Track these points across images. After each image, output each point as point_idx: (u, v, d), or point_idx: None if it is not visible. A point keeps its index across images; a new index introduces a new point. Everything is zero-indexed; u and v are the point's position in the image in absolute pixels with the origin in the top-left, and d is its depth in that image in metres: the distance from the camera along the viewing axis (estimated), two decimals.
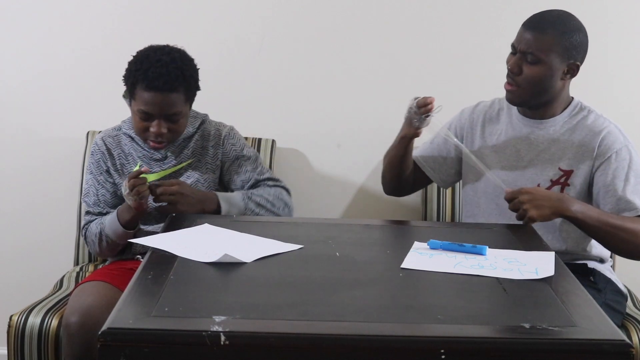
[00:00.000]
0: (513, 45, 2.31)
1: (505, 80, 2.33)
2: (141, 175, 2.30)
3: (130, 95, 2.41)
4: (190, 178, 2.47)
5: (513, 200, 2.19)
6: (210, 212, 2.37)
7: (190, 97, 2.43)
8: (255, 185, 2.50)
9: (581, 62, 2.31)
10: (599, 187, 2.30)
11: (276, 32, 2.89)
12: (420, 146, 2.55)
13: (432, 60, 2.90)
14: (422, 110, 2.26)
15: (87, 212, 2.51)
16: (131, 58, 2.41)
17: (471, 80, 2.84)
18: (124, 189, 2.29)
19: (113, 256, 2.51)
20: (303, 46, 2.90)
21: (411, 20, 2.88)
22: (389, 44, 2.90)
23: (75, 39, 2.89)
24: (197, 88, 2.45)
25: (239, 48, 2.90)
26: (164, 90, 2.34)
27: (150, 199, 2.35)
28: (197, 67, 2.44)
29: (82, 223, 2.53)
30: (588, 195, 2.34)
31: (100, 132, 2.78)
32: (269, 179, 2.52)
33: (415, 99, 2.27)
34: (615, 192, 2.28)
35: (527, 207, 2.16)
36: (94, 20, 2.88)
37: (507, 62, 2.32)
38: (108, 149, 2.50)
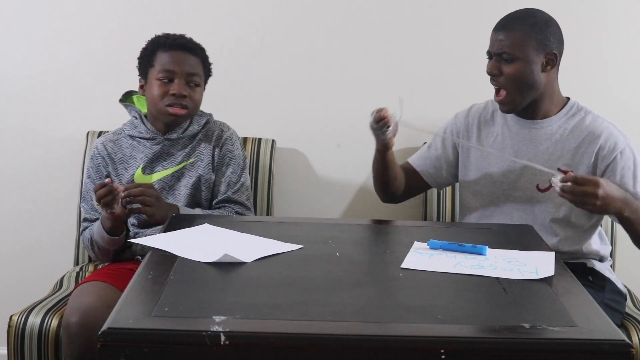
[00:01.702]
0: (488, 52, 2.34)
1: (492, 93, 2.36)
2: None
3: (148, 66, 2.44)
4: (192, 178, 2.47)
5: (577, 184, 2.11)
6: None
7: (206, 72, 2.50)
8: (226, 202, 2.49)
9: (559, 51, 2.32)
10: None
11: (276, 32, 2.89)
12: (418, 152, 2.56)
13: (432, 60, 2.90)
14: (380, 124, 2.26)
15: (85, 219, 2.51)
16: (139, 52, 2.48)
17: (471, 80, 2.83)
18: (94, 199, 2.30)
19: (109, 260, 2.50)
20: (303, 46, 2.90)
21: (411, 20, 2.89)
22: (389, 44, 2.90)
23: (76, 39, 2.89)
24: (210, 72, 2.52)
25: (239, 48, 2.90)
26: (186, 49, 2.44)
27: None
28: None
29: (80, 229, 2.54)
30: None
31: (100, 135, 2.79)
32: (241, 204, 2.50)
33: (372, 114, 2.28)
34: (627, 190, 2.29)
35: (600, 203, 2.11)
36: (94, 20, 2.88)
37: (486, 68, 2.34)
38: (109, 154, 2.50)
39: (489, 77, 2.36)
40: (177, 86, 2.41)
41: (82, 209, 2.55)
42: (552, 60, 2.31)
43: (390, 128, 2.26)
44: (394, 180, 2.48)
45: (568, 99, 2.41)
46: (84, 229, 2.50)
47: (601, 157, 2.31)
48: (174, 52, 2.43)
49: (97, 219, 2.48)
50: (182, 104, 2.42)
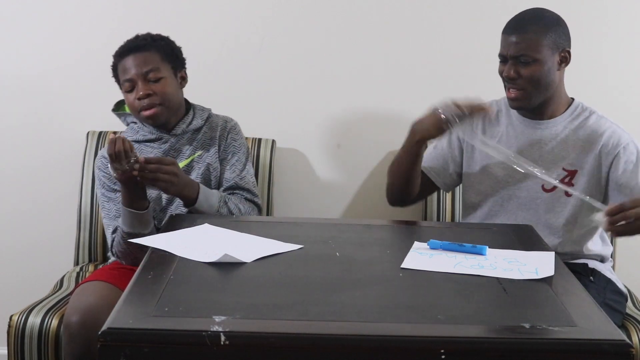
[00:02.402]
0: (501, 55, 2.33)
1: (503, 90, 2.35)
2: None
3: (118, 82, 2.46)
4: (201, 168, 2.47)
5: (626, 209, 2.00)
6: (187, 198, 2.32)
7: (167, 59, 2.45)
8: (234, 188, 2.47)
9: (570, 48, 2.33)
10: (613, 184, 2.31)
11: (276, 32, 2.89)
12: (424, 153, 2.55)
13: (432, 60, 2.90)
14: (473, 113, 2.21)
15: (114, 231, 2.41)
16: None
17: (471, 80, 2.84)
18: (110, 167, 2.22)
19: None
20: (303, 46, 2.90)
21: (411, 20, 2.88)
22: (389, 44, 2.90)
23: (75, 39, 2.89)
24: (177, 56, 2.49)
25: (239, 48, 2.90)
26: (134, 50, 2.42)
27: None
28: (178, 45, 2.51)
29: (109, 242, 2.44)
30: (595, 193, 2.34)
31: (100, 135, 2.80)
32: (248, 190, 2.48)
33: (448, 105, 2.22)
34: (629, 183, 2.29)
35: None
36: (94, 20, 2.88)
37: (500, 72, 2.34)
38: None
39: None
40: (138, 90, 2.40)
41: (104, 222, 2.46)
42: (566, 58, 2.32)
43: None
44: (417, 177, 2.42)
45: (573, 99, 2.41)
46: (113, 240, 2.41)
47: (605, 154, 2.32)
48: (125, 59, 2.42)
49: None
50: (150, 103, 2.40)
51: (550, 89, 2.32)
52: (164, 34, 2.51)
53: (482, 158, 2.44)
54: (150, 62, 2.42)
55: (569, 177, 2.34)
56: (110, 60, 2.49)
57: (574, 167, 2.34)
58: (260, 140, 2.85)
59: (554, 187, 2.33)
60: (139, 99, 2.40)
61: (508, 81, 2.32)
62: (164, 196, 2.43)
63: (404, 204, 2.53)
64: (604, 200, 2.35)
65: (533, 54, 2.27)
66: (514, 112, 2.42)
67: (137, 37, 2.47)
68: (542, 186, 2.36)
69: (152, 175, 2.23)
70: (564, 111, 2.38)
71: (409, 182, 2.42)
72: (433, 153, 2.52)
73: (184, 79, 2.51)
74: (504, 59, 2.33)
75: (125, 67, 2.43)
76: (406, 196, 2.47)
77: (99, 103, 2.87)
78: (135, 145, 2.45)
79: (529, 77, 2.28)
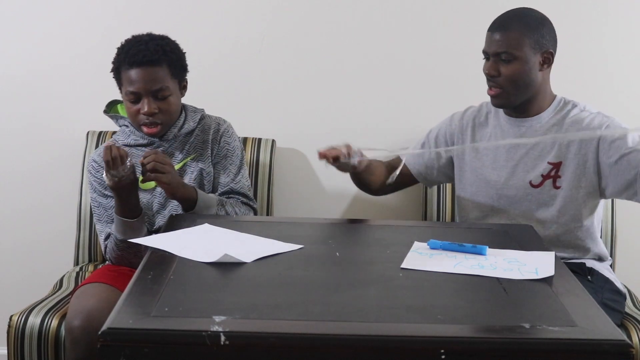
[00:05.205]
0: (484, 52, 2.35)
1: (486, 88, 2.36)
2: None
3: (118, 82, 2.40)
4: (194, 173, 2.46)
5: None
6: (187, 197, 2.31)
7: (176, 74, 2.40)
8: (229, 193, 2.46)
9: (554, 50, 2.34)
10: (605, 163, 2.29)
11: (276, 32, 2.89)
12: (409, 148, 2.56)
13: (432, 60, 2.90)
14: (339, 162, 2.32)
15: (107, 237, 2.40)
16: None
17: (471, 80, 2.83)
18: (105, 175, 2.22)
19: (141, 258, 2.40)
20: (303, 46, 2.90)
21: (412, 20, 2.89)
22: (389, 43, 2.90)
23: (75, 39, 2.89)
24: (184, 67, 2.43)
25: (239, 48, 2.90)
26: (145, 64, 2.33)
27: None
28: (184, 51, 2.43)
29: (103, 248, 2.44)
30: (583, 182, 2.34)
31: (100, 135, 2.80)
32: (244, 194, 2.47)
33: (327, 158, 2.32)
34: (620, 149, 2.26)
35: None
36: (94, 20, 2.88)
37: (484, 69, 2.35)
38: None
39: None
40: (146, 105, 2.34)
41: (97, 228, 2.45)
42: (549, 59, 2.33)
43: (353, 158, 2.33)
44: (373, 183, 2.56)
45: (555, 95, 2.42)
46: (106, 247, 2.41)
47: (587, 140, 2.31)
48: (135, 70, 2.33)
49: None
50: (154, 121, 2.36)
51: (530, 88, 2.33)
52: (163, 34, 2.50)
53: (472, 160, 2.46)
54: (160, 80, 2.35)
55: (555, 169, 2.35)
56: (111, 60, 2.48)
57: (558, 159, 2.35)
58: (260, 140, 2.85)
59: (542, 182, 2.35)
60: (144, 114, 2.35)
61: (489, 79, 2.34)
62: (156, 201, 2.42)
63: (380, 194, 2.63)
64: (600, 188, 2.34)
65: (514, 51, 2.29)
66: (501, 113, 2.44)
67: (147, 46, 2.35)
68: (530, 182, 2.37)
69: (151, 165, 2.22)
70: (548, 107, 2.39)
71: (366, 187, 2.58)
72: (419, 152, 2.54)
73: (185, 88, 2.47)
74: (487, 56, 2.35)
75: (131, 78, 2.34)
76: (372, 191, 2.60)
77: (98, 103, 2.86)
78: (126, 149, 2.44)
79: (509, 75, 2.30)
